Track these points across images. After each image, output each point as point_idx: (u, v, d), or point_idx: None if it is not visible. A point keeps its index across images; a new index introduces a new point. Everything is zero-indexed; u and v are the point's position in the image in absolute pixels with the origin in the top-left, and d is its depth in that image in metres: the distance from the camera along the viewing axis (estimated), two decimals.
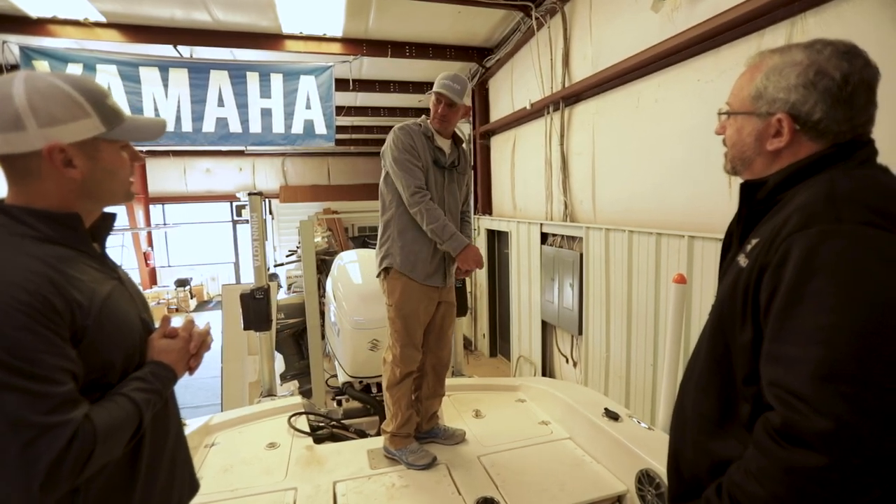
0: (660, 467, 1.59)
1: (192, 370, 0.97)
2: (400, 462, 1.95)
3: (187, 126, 4.80)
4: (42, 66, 4.29)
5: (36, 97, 0.76)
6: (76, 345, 0.76)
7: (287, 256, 7.71)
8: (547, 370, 4.63)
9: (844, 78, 0.75)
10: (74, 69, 4.40)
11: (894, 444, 0.62)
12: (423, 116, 2.00)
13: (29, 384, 0.68)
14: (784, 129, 0.79)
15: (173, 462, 0.98)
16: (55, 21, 4.24)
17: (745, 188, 0.87)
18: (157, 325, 0.99)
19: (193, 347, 0.96)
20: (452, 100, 1.88)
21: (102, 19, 4.29)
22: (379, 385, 2.70)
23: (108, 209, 0.94)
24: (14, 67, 4.34)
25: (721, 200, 2.48)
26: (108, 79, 4.51)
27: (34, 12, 4.09)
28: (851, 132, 0.77)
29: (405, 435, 1.99)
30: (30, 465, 0.68)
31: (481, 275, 6.19)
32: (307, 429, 2.23)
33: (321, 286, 4.08)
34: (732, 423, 0.81)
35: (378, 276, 2.01)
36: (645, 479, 1.63)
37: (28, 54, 4.23)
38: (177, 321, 0.98)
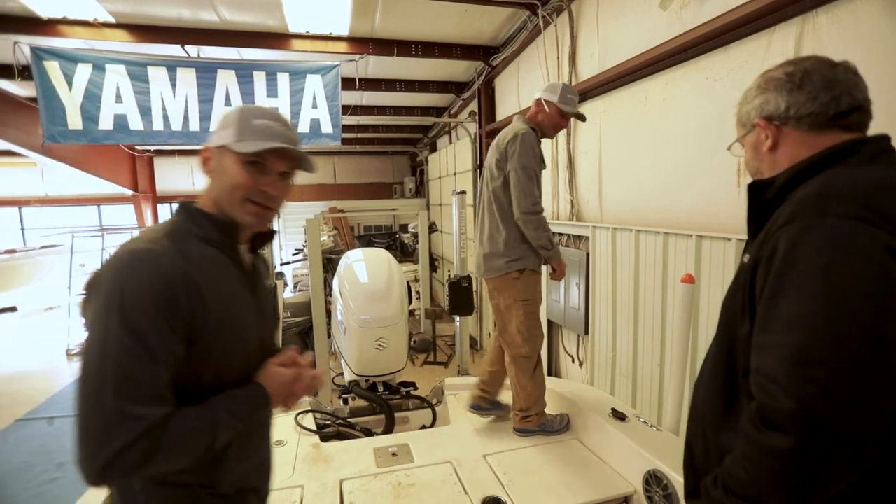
0: (667, 468, 1.58)
1: (287, 406, 0.98)
2: (544, 434, 2.11)
3: (195, 125, 4.83)
4: (52, 66, 4.33)
5: (228, 114, 0.94)
6: (188, 345, 0.80)
7: (293, 255, 7.75)
8: (553, 370, 4.61)
9: (788, 74, 0.86)
10: (84, 69, 4.44)
11: (862, 428, 0.64)
12: (521, 119, 2.15)
13: (132, 366, 0.72)
14: (766, 128, 0.90)
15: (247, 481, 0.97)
16: (65, 21, 4.27)
17: (751, 188, 0.92)
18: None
19: (298, 389, 0.96)
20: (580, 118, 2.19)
21: (111, 20, 4.32)
22: (385, 384, 2.71)
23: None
24: (25, 68, 4.39)
25: (729, 200, 2.46)
26: (116, 79, 4.55)
27: (44, 13, 4.13)
28: (833, 107, 0.82)
29: (545, 408, 2.18)
30: (99, 446, 0.70)
31: None
32: (314, 427, 2.24)
33: (327, 285, 4.10)
34: (736, 416, 0.84)
35: (503, 276, 2.13)
36: (652, 479, 1.62)
37: (38, 55, 4.28)
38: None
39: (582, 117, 2.18)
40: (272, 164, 0.91)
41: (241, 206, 0.90)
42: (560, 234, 4.24)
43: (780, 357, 0.68)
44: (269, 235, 1.03)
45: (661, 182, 3.00)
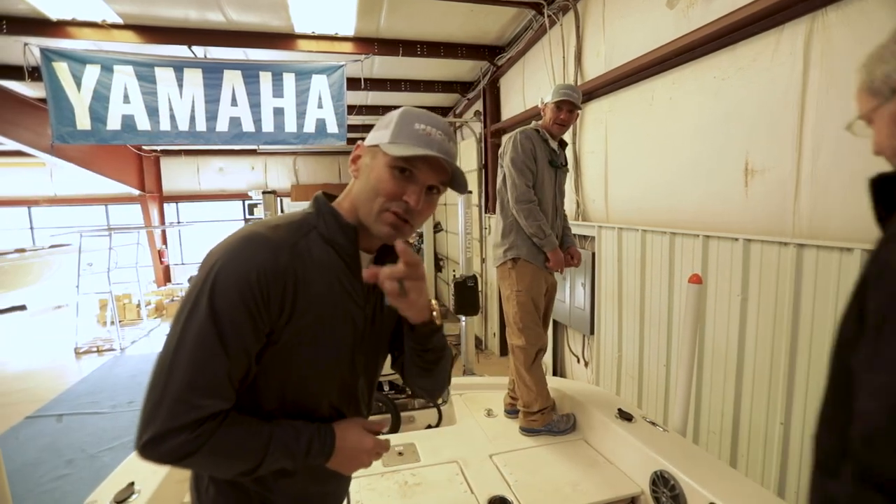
0: (675, 469, 1.58)
1: (344, 472, 0.90)
2: (551, 434, 2.13)
3: (201, 125, 4.86)
4: (61, 67, 4.37)
5: (390, 114, 0.87)
6: (268, 344, 0.77)
7: None
8: (558, 370, 4.61)
9: None
10: (92, 70, 4.48)
11: None
12: (535, 122, 2.31)
13: (202, 352, 0.71)
14: None
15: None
16: (74, 23, 4.31)
17: (875, 184, 0.68)
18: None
19: (366, 461, 0.89)
20: (576, 104, 2.21)
21: (119, 21, 4.35)
22: (391, 383, 2.72)
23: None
24: (35, 69, 4.43)
25: (736, 200, 2.44)
26: (124, 79, 4.59)
27: (54, 15, 4.18)
28: None
29: (551, 407, 2.20)
30: (149, 420, 0.70)
31: (492, 273, 6.18)
32: None
33: None
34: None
35: (501, 265, 2.27)
36: (659, 480, 1.61)
37: (48, 56, 4.32)
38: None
39: (569, 103, 2.21)
40: (422, 174, 0.81)
41: (378, 215, 0.82)
42: None
43: (884, 404, 0.55)
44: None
45: (667, 182, 2.99)
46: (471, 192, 3.90)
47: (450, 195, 8.04)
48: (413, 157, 0.79)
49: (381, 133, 0.84)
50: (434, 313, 0.88)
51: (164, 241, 11.44)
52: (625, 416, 1.97)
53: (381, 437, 0.92)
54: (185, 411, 0.69)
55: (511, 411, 2.35)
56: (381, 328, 0.93)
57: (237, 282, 0.72)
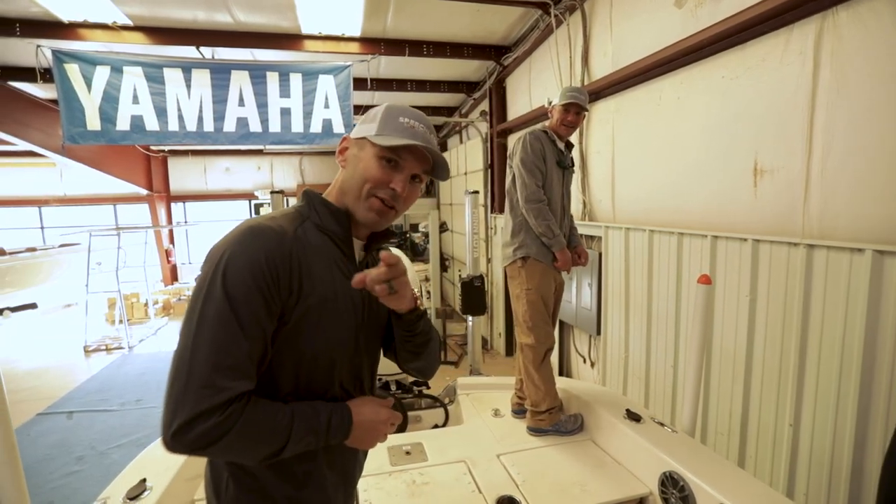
0: (684, 469, 1.58)
1: (362, 447, 0.94)
2: (558, 434, 2.13)
3: (209, 126, 4.89)
4: (72, 68, 4.42)
5: (374, 109, 0.93)
6: (279, 325, 0.80)
7: None
8: (564, 370, 4.60)
9: None
10: (102, 71, 4.53)
11: None
12: (542, 124, 2.36)
13: (224, 335, 0.73)
14: None
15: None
16: (85, 25, 4.37)
17: None
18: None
19: (382, 434, 0.92)
20: (583, 107, 2.23)
21: (129, 22, 4.40)
22: (398, 382, 2.73)
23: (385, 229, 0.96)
24: (47, 70, 4.49)
25: (744, 200, 2.43)
26: (133, 80, 4.63)
27: (66, 17, 4.23)
28: None
29: (559, 407, 2.20)
30: (177, 409, 0.71)
31: (497, 273, 6.18)
32: None
33: None
34: None
35: (510, 264, 2.29)
36: (668, 481, 1.61)
37: (60, 58, 4.37)
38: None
39: (576, 106, 2.23)
40: (406, 163, 0.88)
41: (365, 201, 0.88)
42: None
43: None
44: (387, 235, 0.99)
45: (674, 182, 2.98)
46: (477, 193, 3.91)
47: (456, 196, 8.04)
48: (399, 147, 0.86)
49: (368, 126, 0.90)
50: (417, 301, 0.93)
51: (172, 241, 11.52)
52: (633, 417, 1.97)
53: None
54: (212, 394, 0.71)
55: (518, 411, 2.35)
56: (378, 309, 0.97)
57: (249, 265, 0.76)
